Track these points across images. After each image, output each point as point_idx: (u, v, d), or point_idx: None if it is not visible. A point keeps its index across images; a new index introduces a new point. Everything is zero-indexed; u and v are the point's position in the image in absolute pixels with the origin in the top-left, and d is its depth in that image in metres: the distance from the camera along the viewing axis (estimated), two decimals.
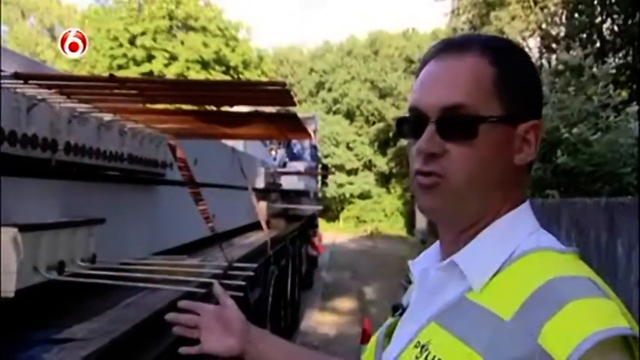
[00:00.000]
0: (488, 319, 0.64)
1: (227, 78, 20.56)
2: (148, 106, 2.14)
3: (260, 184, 5.31)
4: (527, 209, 0.75)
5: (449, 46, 0.74)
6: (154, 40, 21.72)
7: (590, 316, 0.59)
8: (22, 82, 1.57)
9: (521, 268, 0.68)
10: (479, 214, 0.72)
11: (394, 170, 28.37)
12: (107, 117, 2.08)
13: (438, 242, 0.80)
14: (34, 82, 1.61)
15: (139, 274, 1.83)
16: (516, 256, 0.69)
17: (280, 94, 1.84)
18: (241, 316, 1.01)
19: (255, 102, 2.23)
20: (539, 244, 0.70)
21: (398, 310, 0.82)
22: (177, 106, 2.45)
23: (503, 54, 0.73)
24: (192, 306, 1.03)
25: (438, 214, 0.75)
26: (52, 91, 1.68)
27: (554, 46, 11.29)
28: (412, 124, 0.74)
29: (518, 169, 0.73)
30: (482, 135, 0.69)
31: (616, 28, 10.90)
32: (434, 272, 0.75)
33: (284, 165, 9.04)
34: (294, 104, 1.96)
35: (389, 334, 0.81)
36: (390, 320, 0.82)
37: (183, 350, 1.02)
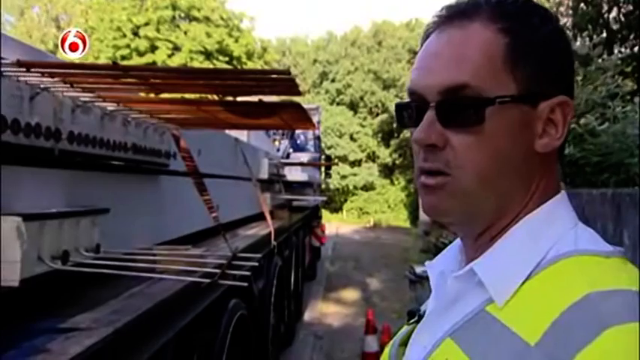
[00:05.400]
0: (511, 341, 0.53)
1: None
2: (152, 95, 2.13)
3: (264, 175, 5.30)
4: (563, 202, 0.63)
5: (451, 14, 0.63)
6: (157, 30, 21.64)
7: (636, 350, 0.47)
8: (24, 70, 1.55)
9: (552, 278, 0.56)
10: (496, 214, 0.62)
11: (398, 162, 28.34)
12: (111, 107, 2.07)
13: (457, 241, 0.70)
14: (37, 70, 1.59)
15: (143, 264, 1.83)
16: (548, 261, 0.58)
17: (285, 82, 1.82)
18: None
19: (259, 91, 2.21)
20: (578, 246, 0.58)
21: (414, 316, 0.72)
22: (182, 95, 2.43)
23: (518, 18, 0.61)
24: None
25: (445, 217, 0.64)
26: (55, 79, 1.67)
27: None
28: (411, 110, 0.64)
29: (542, 157, 0.61)
30: (490, 120, 0.58)
31: (622, 18, 10.80)
32: (451, 281, 0.65)
33: (287, 156, 9.04)
34: (299, 93, 1.94)
35: (404, 344, 0.72)
36: (405, 328, 0.73)
37: None
